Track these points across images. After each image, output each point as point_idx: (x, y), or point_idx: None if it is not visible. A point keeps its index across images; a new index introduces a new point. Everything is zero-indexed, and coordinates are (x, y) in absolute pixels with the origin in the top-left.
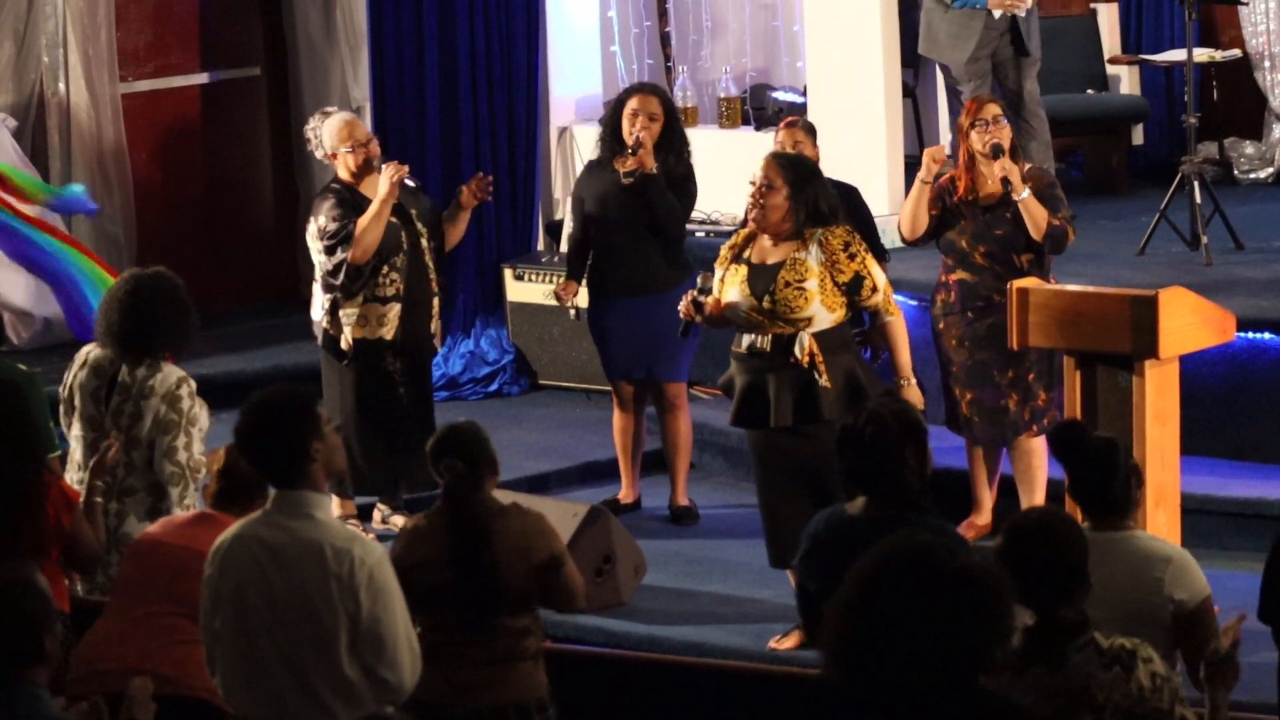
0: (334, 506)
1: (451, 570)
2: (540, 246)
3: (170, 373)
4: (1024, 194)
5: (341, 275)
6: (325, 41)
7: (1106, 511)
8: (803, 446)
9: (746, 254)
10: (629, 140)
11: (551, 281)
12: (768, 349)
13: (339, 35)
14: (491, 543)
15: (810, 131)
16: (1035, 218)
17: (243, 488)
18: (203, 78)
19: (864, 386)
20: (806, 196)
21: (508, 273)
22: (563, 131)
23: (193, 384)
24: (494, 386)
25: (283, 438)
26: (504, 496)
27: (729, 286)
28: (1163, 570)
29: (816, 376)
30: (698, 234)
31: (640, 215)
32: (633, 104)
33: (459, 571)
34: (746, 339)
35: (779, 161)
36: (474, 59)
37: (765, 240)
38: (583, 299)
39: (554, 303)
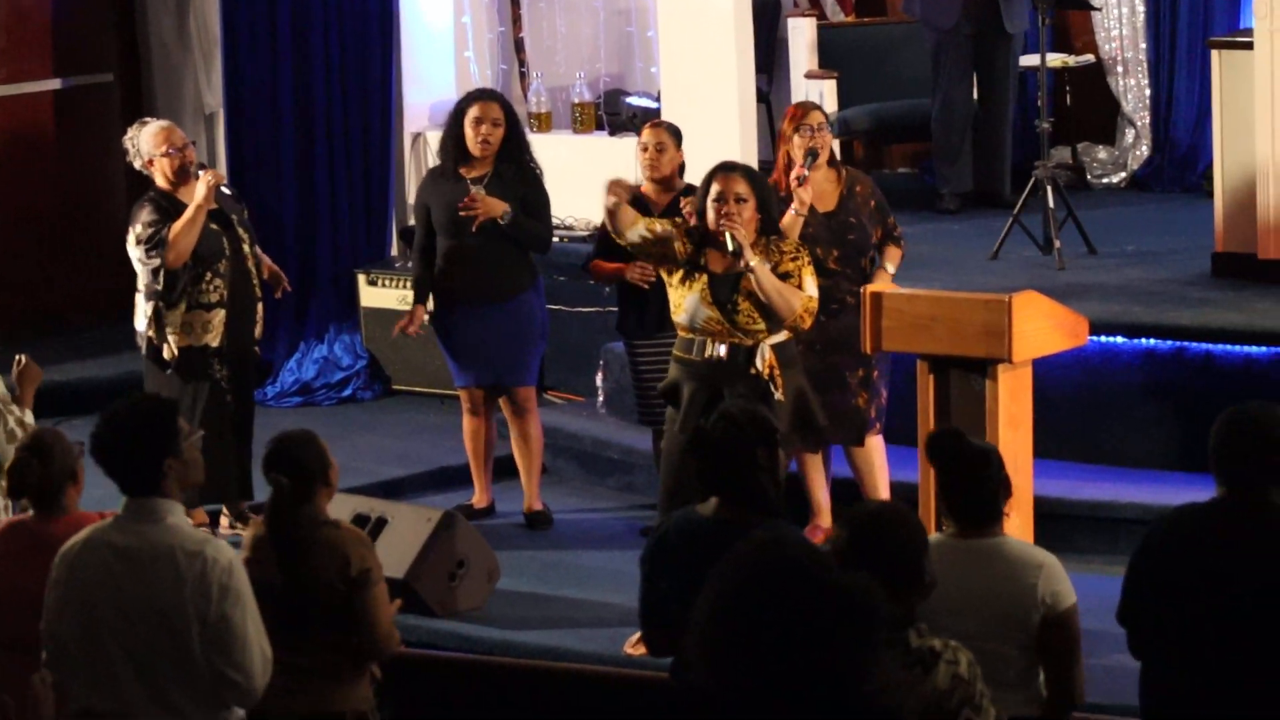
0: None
1: (273, 576)
2: (394, 252)
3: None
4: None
5: (159, 281)
6: (179, 47)
7: (975, 519)
8: None
9: (703, 260)
10: (474, 148)
11: (405, 287)
12: (724, 358)
13: (193, 41)
14: (309, 554)
15: (675, 134)
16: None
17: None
18: (55, 84)
19: (811, 408)
20: (768, 206)
21: (361, 278)
22: (416, 137)
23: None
24: (347, 392)
25: (137, 451)
26: (357, 503)
27: (687, 295)
28: (1036, 575)
29: (772, 389)
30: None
31: (489, 224)
32: (474, 111)
33: (280, 578)
34: (699, 346)
35: (746, 174)
36: (328, 64)
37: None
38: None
39: (408, 307)
